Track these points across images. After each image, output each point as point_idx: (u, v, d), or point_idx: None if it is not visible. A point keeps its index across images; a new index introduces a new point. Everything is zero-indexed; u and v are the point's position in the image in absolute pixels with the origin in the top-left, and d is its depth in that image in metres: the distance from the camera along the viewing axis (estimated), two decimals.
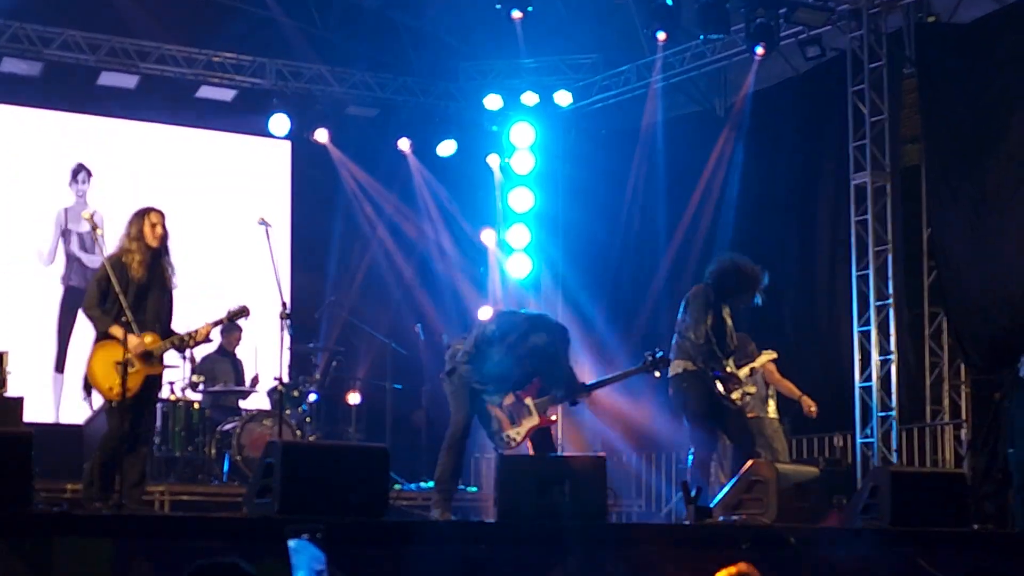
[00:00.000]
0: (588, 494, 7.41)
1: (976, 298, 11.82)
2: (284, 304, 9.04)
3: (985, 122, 11.88)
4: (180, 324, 8.49)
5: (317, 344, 13.97)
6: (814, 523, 8.45)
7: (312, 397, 12.68)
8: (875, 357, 12.12)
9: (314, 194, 15.27)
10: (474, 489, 13.03)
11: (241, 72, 14.51)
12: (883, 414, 12.05)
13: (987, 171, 11.82)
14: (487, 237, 15.48)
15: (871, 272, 12.22)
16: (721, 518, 8.35)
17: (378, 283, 15.11)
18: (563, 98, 15.17)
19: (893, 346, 12.10)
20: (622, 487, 12.52)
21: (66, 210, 14.08)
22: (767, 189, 13.70)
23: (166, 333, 8.30)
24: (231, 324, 9.53)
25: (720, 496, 8.68)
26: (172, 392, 11.90)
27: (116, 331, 7.99)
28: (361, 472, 6.95)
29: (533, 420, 8.69)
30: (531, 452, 8.68)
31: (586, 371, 11.13)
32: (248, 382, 12.82)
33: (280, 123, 14.54)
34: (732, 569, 5.40)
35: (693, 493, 8.14)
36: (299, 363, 13.27)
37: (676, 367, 9.40)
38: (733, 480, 8.76)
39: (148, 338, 8.13)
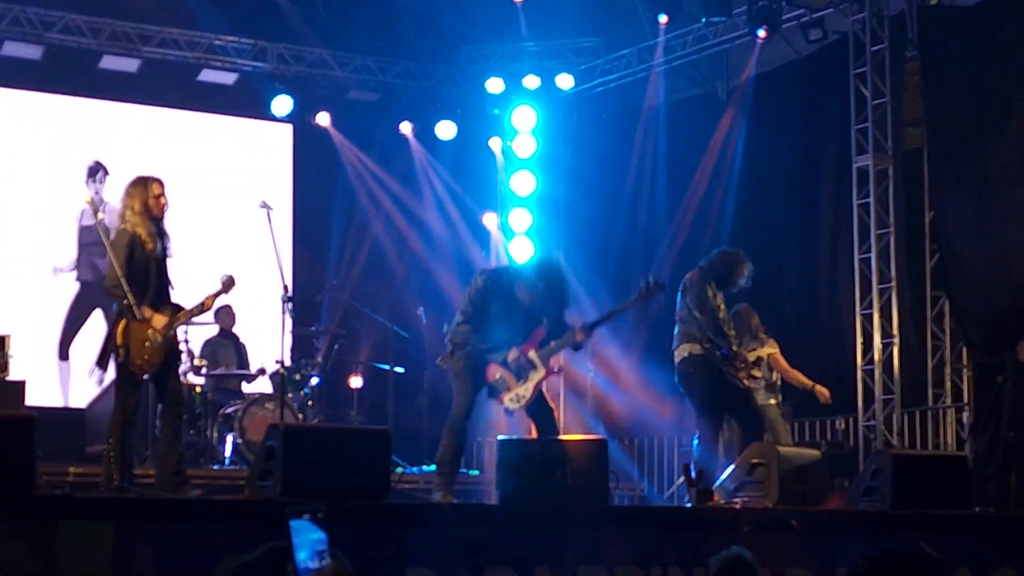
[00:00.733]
0: (590, 477, 7.42)
1: (978, 281, 11.81)
2: (286, 287, 9.06)
3: (988, 105, 11.84)
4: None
5: (319, 327, 13.99)
6: (816, 506, 8.47)
7: (314, 380, 12.67)
8: (877, 340, 12.10)
9: (316, 178, 15.26)
10: (476, 472, 13.04)
11: (243, 56, 14.48)
12: (885, 397, 12.04)
13: (989, 154, 11.79)
14: (489, 221, 15.46)
15: (873, 255, 12.20)
16: (723, 501, 8.37)
17: (380, 266, 15.10)
18: (565, 81, 15.13)
19: (895, 329, 12.09)
20: (624, 470, 12.52)
21: (83, 212, 13.91)
22: (769, 172, 13.67)
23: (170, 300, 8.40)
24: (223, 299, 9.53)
25: (722, 479, 8.70)
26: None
27: (146, 312, 8.10)
28: (363, 455, 6.98)
29: (539, 373, 8.65)
30: (534, 435, 8.66)
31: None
32: (253, 368, 12.83)
33: (283, 104, 14.51)
34: None
35: (694, 476, 8.16)
36: (301, 346, 13.28)
37: (681, 352, 9.42)
38: (735, 463, 8.78)
39: (168, 312, 8.22)
